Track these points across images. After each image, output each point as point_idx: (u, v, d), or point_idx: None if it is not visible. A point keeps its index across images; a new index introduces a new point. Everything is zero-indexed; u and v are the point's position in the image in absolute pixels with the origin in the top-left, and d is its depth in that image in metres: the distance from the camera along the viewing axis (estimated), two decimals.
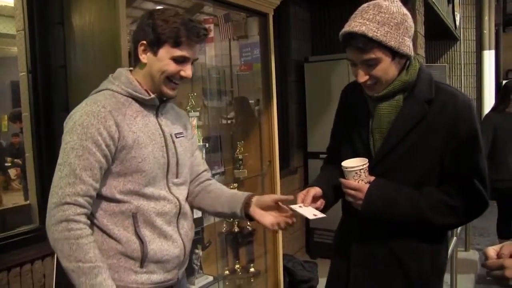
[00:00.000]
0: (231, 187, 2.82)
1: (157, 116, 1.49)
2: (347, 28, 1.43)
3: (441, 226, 1.52)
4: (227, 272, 2.88)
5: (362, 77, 1.46)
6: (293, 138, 4.31)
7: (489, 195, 1.49)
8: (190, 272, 2.52)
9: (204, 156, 2.49)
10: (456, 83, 7.74)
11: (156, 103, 1.47)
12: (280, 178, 2.93)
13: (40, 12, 2.06)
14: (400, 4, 1.47)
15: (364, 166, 1.48)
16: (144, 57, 1.42)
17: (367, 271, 1.56)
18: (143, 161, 1.39)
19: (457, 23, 7.03)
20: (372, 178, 1.50)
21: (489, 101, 7.50)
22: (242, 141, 2.92)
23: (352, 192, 1.49)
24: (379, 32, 1.39)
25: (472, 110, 1.50)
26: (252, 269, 2.95)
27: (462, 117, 1.46)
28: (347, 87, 1.73)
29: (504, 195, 3.92)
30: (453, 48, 7.65)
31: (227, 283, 2.86)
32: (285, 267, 3.23)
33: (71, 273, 1.29)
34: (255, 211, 1.55)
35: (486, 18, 7.69)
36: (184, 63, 1.43)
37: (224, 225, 2.90)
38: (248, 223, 2.94)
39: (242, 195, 1.59)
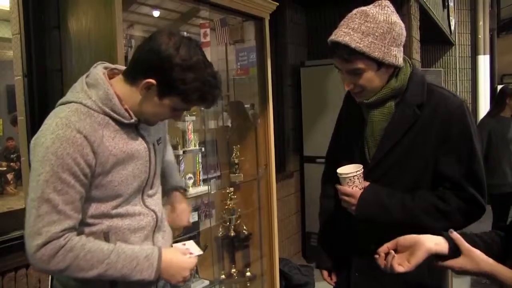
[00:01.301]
0: (228, 191, 2.82)
1: (137, 128, 1.35)
2: (333, 36, 1.43)
3: (435, 230, 1.49)
4: (223, 276, 2.87)
5: (348, 85, 1.47)
6: (289, 142, 4.31)
7: (486, 199, 1.47)
8: None
9: (200, 160, 2.49)
10: (451, 88, 7.77)
11: (135, 123, 1.32)
12: (276, 182, 2.93)
13: (36, 16, 2.06)
14: (389, 11, 1.44)
15: (358, 172, 1.49)
16: (143, 93, 1.26)
17: (367, 276, 1.56)
18: (120, 184, 1.28)
19: (452, 28, 7.06)
20: (366, 184, 1.50)
21: (484, 105, 7.54)
22: (238, 145, 2.92)
23: (346, 198, 1.51)
24: (362, 43, 1.37)
25: (465, 112, 1.47)
26: (248, 273, 2.94)
27: (453, 119, 1.44)
28: (348, 93, 1.71)
29: (498, 200, 3.94)
30: (448, 52, 7.68)
31: (223, 287, 2.85)
32: (281, 271, 3.23)
33: (107, 275, 1.22)
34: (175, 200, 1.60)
35: (481, 23, 7.74)
36: (183, 111, 1.35)
37: (220, 229, 2.90)
38: (244, 227, 2.94)
39: (171, 188, 1.61)
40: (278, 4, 2.80)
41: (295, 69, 4.35)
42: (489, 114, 4.20)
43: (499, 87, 4.32)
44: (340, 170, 1.51)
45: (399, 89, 1.47)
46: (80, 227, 1.25)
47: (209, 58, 2.76)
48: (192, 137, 2.43)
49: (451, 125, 1.43)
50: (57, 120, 1.20)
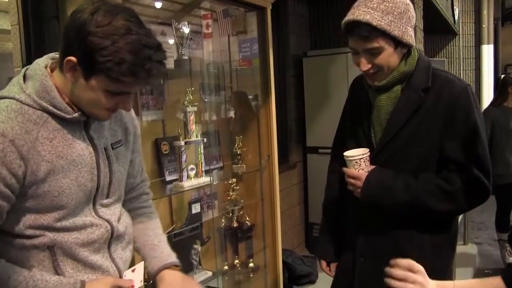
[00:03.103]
0: (230, 182, 2.81)
1: (86, 127, 1.17)
2: (351, 16, 1.43)
3: (438, 212, 1.51)
4: (226, 267, 2.87)
5: (365, 66, 1.46)
6: (292, 133, 4.30)
7: (491, 183, 1.47)
8: (189, 267, 2.51)
9: (202, 151, 2.48)
10: None
11: (81, 119, 1.14)
12: (279, 173, 2.92)
13: (35, 6, 2.04)
14: None
15: (364, 155, 1.52)
16: (70, 76, 1.06)
17: (373, 262, 1.58)
18: (61, 194, 1.10)
19: (456, 17, 7.00)
20: (372, 168, 1.53)
21: (488, 95, 7.50)
22: (241, 136, 2.90)
23: (352, 180, 1.54)
24: (383, 21, 1.39)
25: (469, 96, 1.48)
26: (251, 264, 2.94)
27: (458, 103, 1.46)
28: (354, 81, 1.76)
29: (502, 190, 3.92)
30: (452, 42, 7.63)
31: (226, 279, 2.85)
32: (284, 262, 3.23)
33: None
34: (161, 284, 1.32)
35: (485, 12, 7.67)
36: (124, 96, 1.11)
37: (223, 220, 2.89)
38: (247, 219, 2.93)
39: (157, 260, 1.35)
40: None
41: (297, 60, 4.32)
42: (492, 103, 4.17)
43: (503, 76, 4.28)
44: (347, 153, 1.55)
45: (407, 73, 1.50)
46: (20, 240, 1.12)
47: (211, 49, 2.79)
48: (194, 128, 2.41)
49: (455, 108, 1.46)
50: None
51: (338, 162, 1.72)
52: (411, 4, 1.48)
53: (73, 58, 1.03)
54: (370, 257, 1.59)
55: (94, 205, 1.22)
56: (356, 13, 1.42)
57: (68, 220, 1.15)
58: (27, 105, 1.07)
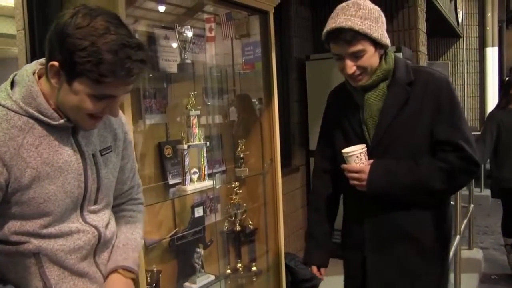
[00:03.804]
0: (233, 185, 2.82)
1: (74, 133, 1.16)
2: (333, 25, 1.55)
3: (441, 190, 1.61)
4: (228, 271, 2.87)
5: (350, 68, 1.57)
6: (295, 136, 4.30)
7: (480, 158, 1.63)
8: (191, 271, 2.52)
9: (205, 154, 2.49)
10: (459, 81, 7.71)
11: (69, 125, 1.13)
12: (282, 176, 2.92)
13: (40, 11, 2.06)
14: (370, 2, 1.62)
15: (364, 150, 1.62)
16: (55, 82, 1.06)
17: (382, 253, 1.68)
18: (46, 201, 1.09)
19: (460, 20, 7.00)
20: (371, 161, 1.62)
21: (492, 98, 7.48)
22: (244, 140, 2.91)
23: (356, 175, 1.62)
24: (363, 25, 1.52)
25: (451, 85, 1.67)
26: (254, 268, 2.94)
27: (443, 91, 1.61)
28: (332, 92, 1.93)
29: (509, 193, 3.88)
30: (455, 45, 7.62)
31: (229, 282, 2.85)
32: (287, 266, 3.22)
33: None
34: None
35: (489, 14, 7.67)
36: (109, 99, 1.08)
37: (226, 224, 2.90)
38: (250, 222, 2.94)
39: (113, 262, 1.30)
40: None
41: (300, 63, 4.32)
42: (497, 106, 4.15)
43: (507, 79, 4.25)
44: (346, 149, 1.63)
45: (388, 70, 1.63)
46: (6, 246, 1.11)
47: (213, 53, 2.80)
48: (196, 131, 2.42)
49: (441, 97, 1.60)
50: None
51: (324, 170, 1.86)
52: (381, 11, 1.62)
53: (55, 63, 1.03)
54: (379, 247, 1.68)
55: (81, 211, 1.20)
56: (338, 21, 1.54)
57: (54, 227, 1.13)
58: (13, 111, 1.06)
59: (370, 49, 1.56)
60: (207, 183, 2.47)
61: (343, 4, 1.60)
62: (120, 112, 1.31)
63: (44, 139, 1.10)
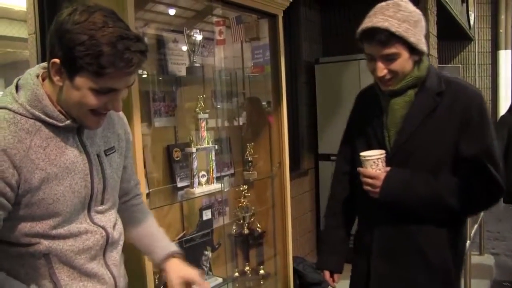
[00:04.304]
0: (241, 188, 2.82)
1: (79, 134, 1.18)
2: (369, 23, 1.49)
3: (458, 210, 1.54)
4: (236, 274, 2.87)
5: (381, 71, 1.51)
6: (304, 140, 4.29)
7: (505, 183, 1.52)
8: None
9: (213, 157, 2.49)
10: None
11: (74, 126, 1.15)
12: (290, 180, 2.92)
13: (51, 15, 2.08)
14: (413, 5, 1.55)
15: (382, 156, 1.56)
16: (58, 80, 1.07)
17: (388, 263, 1.62)
18: (55, 202, 1.11)
19: (472, 22, 6.94)
20: (388, 169, 1.56)
21: (505, 102, 7.40)
22: (252, 143, 2.91)
23: (370, 180, 1.56)
24: (401, 28, 1.45)
25: (483, 100, 1.57)
26: (262, 271, 2.94)
27: (474, 105, 1.52)
28: (360, 93, 1.82)
29: None
30: (467, 48, 7.56)
31: (236, 285, 2.85)
32: (295, 270, 3.22)
33: None
34: (170, 270, 1.36)
35: (503, 17, 7.59)
36: (111, 93, 1.09)
37: (234, 226, 2.90)
38: (258, 225, 2.93)
39: (161, 249, 1.38)
40: (291, 0, 2.79)
41: (309, 66, 4.32)
42: (509, 110, 4.10)
43: None
44: (364, 153, 1.58)
45: (420, 78, 1.56)
46: (16, 248, 1.13)
47: (224, 55, 2.81)
48: (205, 134, 2.43)
49: (471, 112, 1.51)
50: None
51: (345, 173, 1.80)
52: (422, 15, 1.55)
53: (57, 60, 1.04)
54: (386, 257, 1.62)
55: (89, 212, 1.22)
56: (374, 20, 1.48)
57: (63, 228, 1.15)
58: (20, 114, 1.08)
59: (405, 53, 1.49)
60: (215, 186, 2.48)
61: (383, 3, 1.53)
62: (122, 113, 1.34)
63: (51, 141, 1.11)
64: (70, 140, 1.15)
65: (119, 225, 1.34)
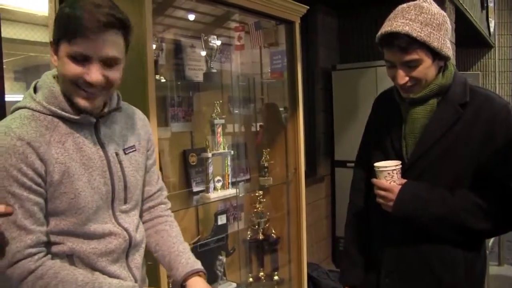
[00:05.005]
0: (257, 194, 2.82)
1: (97, 132, 1.22)
2: (388, 28, 1.39)
3: (475, 231, 1.42)
4: (251, 279, 2.87)
5: (402, 79, 1.41)
6: (320, 146, 4.28)
7: None
8: (213, 278, 2.53)
9: (229, 163, 2.50)
10: None
11: (90, 121, 1.19)
12: (306, 186, 2.91)
13: None
14: (437, 5, 1.45)
15: (397, 167, 1.46)
16: (54, 60, 1.15)
17: (398, 281, 1.52)
18: (77, 196, 1.14)
19: (492, 29, 6.85)
20: (404, 181, 1.47)
21: None
22: (268, 149, 2.92)
23: (383, 193, 1.47)
24: (422, 32, 1.35)
25: (510, 113, 1.43)
26: (276, 277, 2.93)
27: (499, 119, 1.40)
28: (379, 97, 1.71)
29: None
30: (487, 55, 7.46)
31: None
32: (310, 276, 3.20)
33: None
34: None
35: None
36: (86, 62, 1.11)
37: (249, 232, 2.90)
38: (273, 231, 2.93)
39: (184, 267, 1.35)
40: (308, 7, 2.79)
41: (326, 73, 4.32)
42: None
43: None
44: (378, 164, 1.49)
45: (444, 86, 1.45)
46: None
47: (243, 60, 2.82)
48: (221, 140, 2.44)
49: (495, 125, 1.40)
50: (1, 127, 1.10)
51: (363, 180, 1.68)
52: (447, 16, 1.45)
53: (51, 41, 1.14)
54: (397, 276, 1.53)
55: (113, 212, 1.24)
56: (394, 25, 1.37)
57: (89, 226, 1.17)
58: (38, 111, 1.14)
59: (427, 59, 1.38)
60: (231, 191, 2.49)
61: (404, 5, 1.42)
62: (144, 116, 1.41)
63: (69, 137, 1.16)
64: (88, 137, 1.19)
65: (142, 228, 1.36)
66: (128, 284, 1.20)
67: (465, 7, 4.53)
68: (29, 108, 1.14)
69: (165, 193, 1.51)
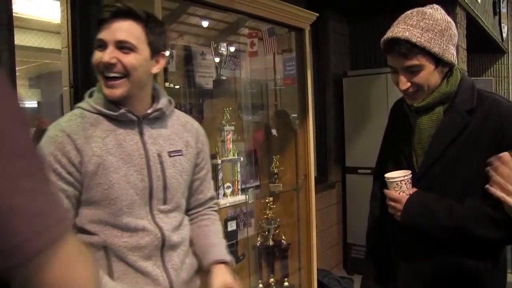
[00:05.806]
0: (267, 200, 2.83)
1: (141, 132, 1.31)
2: (389, 34, 1.41)
3: (484, 240, 1.38)
4: (261, 285, 2.87)
5: (404, 84, 1.41)
6: (331, 152, 4.28)
7: None
8: None
9: (239, 169, 2.51)
10: None
11: (129, 119, 1.29)
12: (317, 192, 2.91)
13: (83, 29, 2.16)
14: (443, 12, 1.44)
15: (405, 177, 1.46)
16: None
17: None
18: (110, 188, 1.22)
19: (504, 35, 6.79)
20: (414, 191, 1.46)
21: None
22: (278, 155, 2.92)
23: (392, 203, 1.47)
24: (423, 38, 1.35)
25: None
26: (286, 284, 2.93)
27: (507, 124, 1.37)
28: (394, 105, 1.71)
29: None
30: (500, 61, 7.38)
31: None
32: (320, 283, 3.19)
33: None
34: (216, 274, 1.37)
35: None
36: (105, 48, 1.25)
37: (259, 238, 2.90)
38: (283, 237, 2.93)
39: (213, 255, 1.40)
40: (318, 14, 2.80)
41: (337, 79, 4.32)
42: None
43: None
44: (388, 174, 1.49)
45: (449, 94, 1.44)
46: (81, 235, 1.23)
47: (250, 68, 2.82)
48: (230, 146, 2.45)
49: (504, 130, 1.37)
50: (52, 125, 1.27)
51: (380, 190, 1.65)
52: (452, 22, 1.44)
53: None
54: (410, 286, 1.52)
55: (151, 209, 1.30)
56: (395, 31, 1.39)
57: (122, 219, 1.24)
58: (87, 110, 1.29)
59: (429, 65, 1.38)
60: (240, 198, 2.50)
61: (408, 12, 1.44)
62: (200, 128, 1.51)
63: (111, 133, 1.27)
64: (130, 136, 1.29)
65: (184, 231, 1.39)
66: None
67: (477, 12, 4.50)
68: (80, 108, 1.30)
69: (216, 201, 1.58)
